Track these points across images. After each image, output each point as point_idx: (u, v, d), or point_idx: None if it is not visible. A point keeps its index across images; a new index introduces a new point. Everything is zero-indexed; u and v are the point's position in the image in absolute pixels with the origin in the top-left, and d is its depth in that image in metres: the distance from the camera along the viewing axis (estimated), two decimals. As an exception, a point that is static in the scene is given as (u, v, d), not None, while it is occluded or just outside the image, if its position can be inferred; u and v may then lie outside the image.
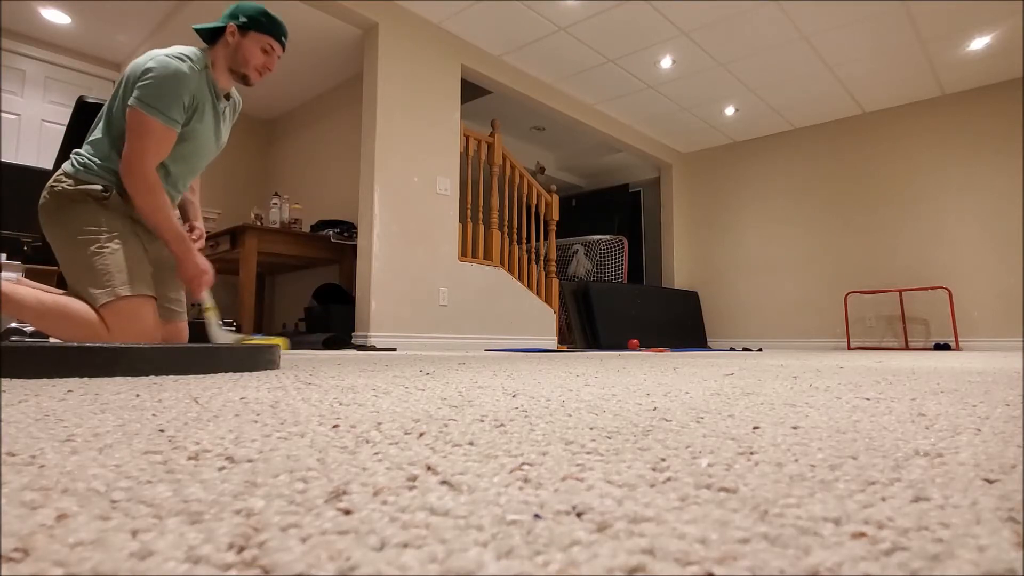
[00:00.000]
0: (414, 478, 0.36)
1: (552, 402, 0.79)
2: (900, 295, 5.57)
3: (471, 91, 5.21)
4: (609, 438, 0.51)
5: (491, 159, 4.68)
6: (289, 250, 4.21)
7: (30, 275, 2.15)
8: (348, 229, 4.42)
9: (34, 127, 4.53)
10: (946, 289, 5.32)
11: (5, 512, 0.28)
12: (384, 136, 3.97)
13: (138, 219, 1.73)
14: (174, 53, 1.64)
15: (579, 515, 0.29)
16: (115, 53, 4.80)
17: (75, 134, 1.91)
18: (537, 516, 0.29)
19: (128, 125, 1.60)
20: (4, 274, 1.72)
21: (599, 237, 6.71)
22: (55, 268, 1.81)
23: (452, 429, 0.55)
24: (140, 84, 1.59)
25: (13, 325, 2.30)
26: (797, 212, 6.30)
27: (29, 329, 2.36)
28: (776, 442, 0.50)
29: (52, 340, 1.66)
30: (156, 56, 1.62)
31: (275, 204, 4.38)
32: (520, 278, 4.88)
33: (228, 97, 1.85)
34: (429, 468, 0.39)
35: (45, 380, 1.03)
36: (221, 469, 0.38)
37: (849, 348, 5.73)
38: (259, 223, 4.20)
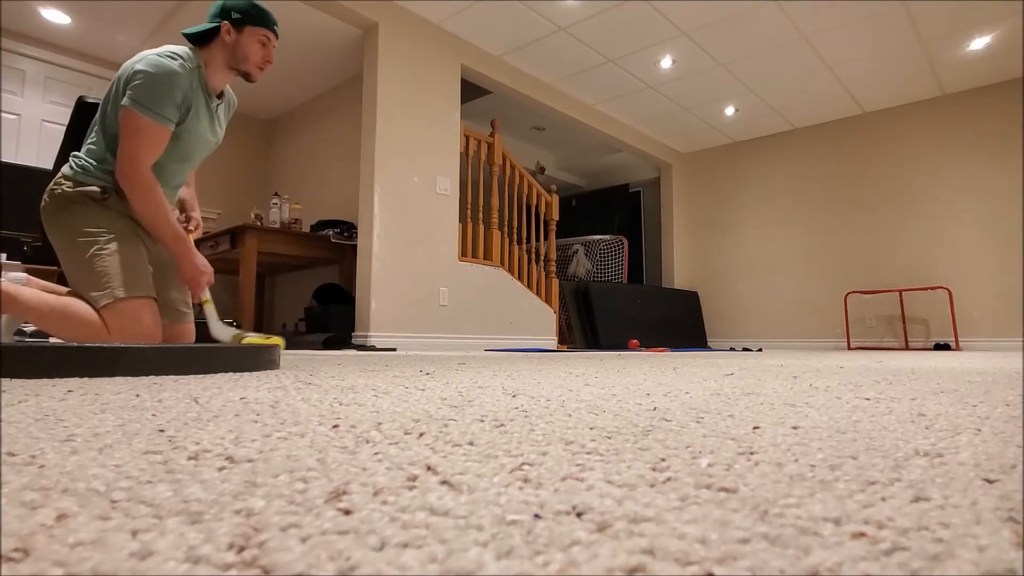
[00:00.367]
0: (414, 478, 0.36)
1: (552, 402, 0.79)
2: (900, 295, 5.57)
3: (471, 91, 5.21)
4: (609, 438, 0.51)
5: (491, 159, 4.68)
6: (289, 250, 4.21)
7: (30, 275, 2.15)
8: (348, 229, 4.42)
9: (34, 127, 4.53)
10: (946, 289, 5.32)
11: (5, 512, 0.28)
12: (384, 136, 3.97)
13: (136, 219, 1.72)
14: (165, 52, 1.63)
15: (579, 515, 0.29)
16: (115, 53, 4.80)
17: (75, 134, 1.91)
18: (537, 516, 0.29)
19: (121, 126, 1.59)
20: (12, 275, 1.72)
21: (599, 237, 6.71)
22: (55, 268, 1.81)
23: (452, 429, 0.55)
24: (132, 84, 1.58)
25: (27, 327, 2.30)
26: (797, 212, 6.30)
27: (29, 329, 2.36)
28: (776, 442, 0.50)
29: (52, 340, 1.66)
30: (146, 56, 1.61)
31: (275, 204, 4.38)
32: (520, 278, 4.88)
33: (221, 96, 1.84)
34: (429, 468, 0.39)
35: (45, 380, 1.03)
36: (221, 469, 0.38)
37: (849, 348, 5.73)
38: (259, 223, 4.20)
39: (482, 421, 0.61)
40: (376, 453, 0.44)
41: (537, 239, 6.40)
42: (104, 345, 1.16)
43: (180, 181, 1.84)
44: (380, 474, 0.37)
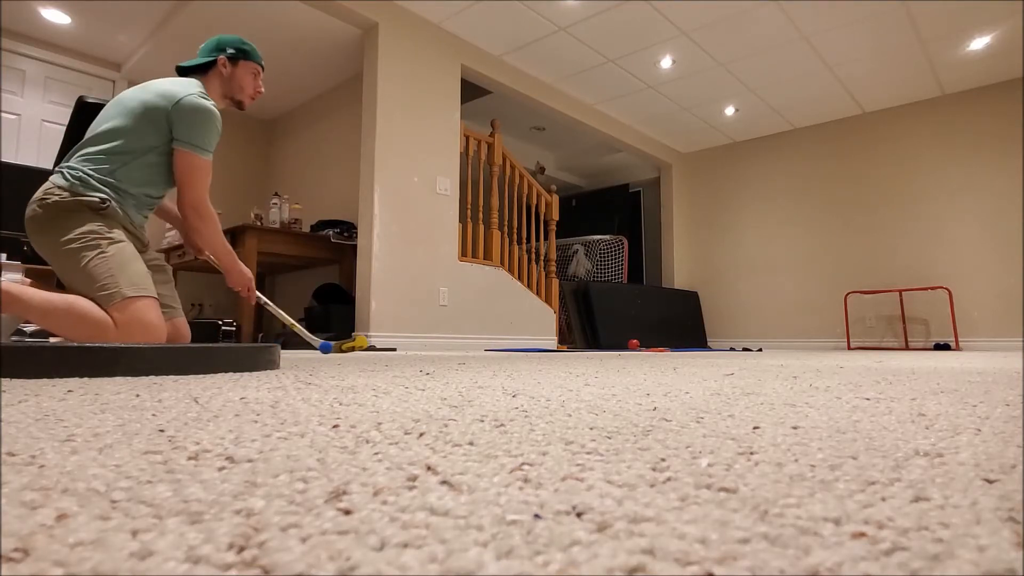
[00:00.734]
0: (414, 478, 0.36)
1: (552, 402, 0.79)
2: (900, 295, 5.57)
3: (471, 91, 5.21)
4: (609, 438, 0.51)
5: (491, 159, 4.68)
6: (289, 250, 4.21)
7: (30, 275, 2.17)
8: (348, 229, 4.42)
9: (34, 127, 4.53)
10: (946, 289, 5.32)
11: (5, 512, 0.28)
12: (384, 136, 3.97)
13: (131, 230, 1.80)
14: (197, 92, 1.76)
15: (579, 515, 0.29)
16: (115, 53, 4.80)
17: (75, 134, 1.92)
18: (537, 516, 0.29)
19: (183, 167, 1.75)
20: (9, 275, 1.74)
21: (599, 237, 6.71)
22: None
23: (452, 429, 0.55)
24: (190, 127, 1.72)
25: (26, 327, 2.31)
26: (797, 212, 6.30)
27: (29, 329, 2.36)
28: (776, 442, 0.50)
29: (52, 340, 1.66)
30: (188, 99, 1.73)
31: (275, 204, 4.38)
32: (520, 278, 4.88)
33: None
34: (429, 468, 0.39)
35: (45, 380, 1.03)
36: (221, 469, 0.38)
37: (849, 348, 5.73)
38: (259, 223, 4.20)
39: (482, 421, 0.61)
40: (376, 453, 0.44)
41: (537, 239, 6.40)
42: (104, 345, 1.16)
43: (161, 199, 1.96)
44: (380, 474, 0.37)
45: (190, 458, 0.42)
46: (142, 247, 1.86)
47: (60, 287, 1.75)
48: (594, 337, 5.34)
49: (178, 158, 1.75)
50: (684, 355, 3.32)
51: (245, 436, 0.51)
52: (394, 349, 3.79)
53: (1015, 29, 4.43)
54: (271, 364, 1.47)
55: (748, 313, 6.54)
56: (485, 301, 4.53)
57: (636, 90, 5.54)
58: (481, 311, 4.50)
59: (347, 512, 0.29)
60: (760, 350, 5.08)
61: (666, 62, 5.00)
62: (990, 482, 0.36)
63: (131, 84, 4.43)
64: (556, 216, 5.20)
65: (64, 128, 2.10)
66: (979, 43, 4.61)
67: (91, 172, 1.70)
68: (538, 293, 5.06)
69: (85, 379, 1.07)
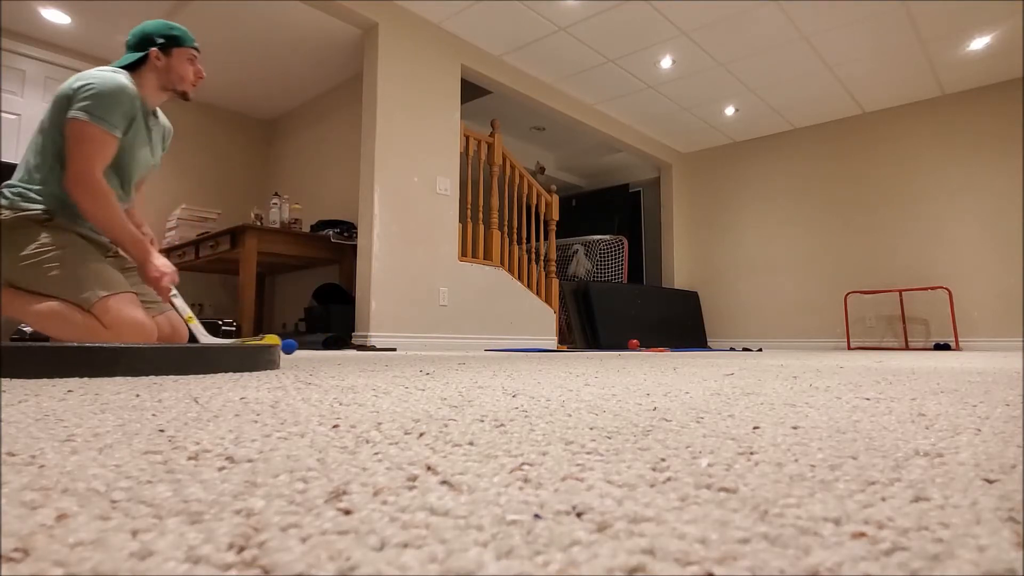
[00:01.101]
0: (414, 478, 0.36)
1: (552, 402, 0.79)
2: (900, 295, 5.57)
3: (471, 91, 5.21)
4: (609, 438, 0.51)
5: (491, 159, 4.68)
6: (289, 250, 4.21)
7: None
8: (348, 229, 4.42)
9: (34, 127, 4.52)
10: (946, 289, 5.32)
11: (5, 512, 0.28)
12: (384, 136, 3.97)
13: (89, 236, 1.73)
14: (107, 69, 1.67)
15: (579, 515, 0.29)
16: (115, 53, 4.80)
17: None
18: (537, 516, 0.29)
19: (69, 137, 1.60)
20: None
21: (599, 237, 6.71)
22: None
23: (452, 429, 0.55)
24: (81, 97, 1.60)
25: (26, 328, 2.30)
26: (797, 212, 6.30)
27: (29, 329, 2.36)
28: (776, 442, 0.50)
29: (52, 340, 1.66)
30: (91, 72, 1.65)
31: (275, 204, 4.38)
32: (520, 278, 4.88)
33: (155, 116, 1.88)
34: (429, 468, 0.39)
35: (45, 380, 1.03)
36: (221, 469, 0.38)
37: (849, 348, 5.73)
38: (259, 223, 4.20)
39: (482, 421, 0.61)
40: (376, 453, 0.44)
41: (537, 239, 6.40)
42: (104, 345, 1.16)
43: (119, 197, 1.81)
44: (380, 474, 0.37)
45: (190, 458, 0.42)
46: (104, 251, 1.78)
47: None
48: (594, 337, 5.34)
49: (67, 129, 1.59)
50: (684, 355, 3.32)
51: (245, 436, 0.51)
52: (394, 349, 3.79)
53: (1015, 29, 4.43)
54: (271, 364, 1.47)
55: (748, 313, 6.54)
56: (485, 301, 4.54)
57: (636, 90, 5.54)
58: (481, 311, 4.50)
59: (347, 512, 0.29)
60: (760, 350, 5.08)
61: (666, 62, 5.00)
62: (990, 482, 0.36)
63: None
64: (556, 216, 5.20)
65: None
66: (979, 43, 4.61)
67: (31, 185, 1.65)
68: (538, 293, 5.06)
69: (85, 379, 1.07)
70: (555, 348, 4.75)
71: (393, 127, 4.03)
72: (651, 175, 7.47)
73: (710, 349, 5.73)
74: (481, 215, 4.57)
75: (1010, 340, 5.04)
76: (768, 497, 0.32)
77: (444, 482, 0.35)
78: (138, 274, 1.75)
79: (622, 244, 6.55)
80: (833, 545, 0.25)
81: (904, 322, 5.55)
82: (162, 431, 0.53)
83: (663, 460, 0.42)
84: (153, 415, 0.63)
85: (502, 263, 4.71)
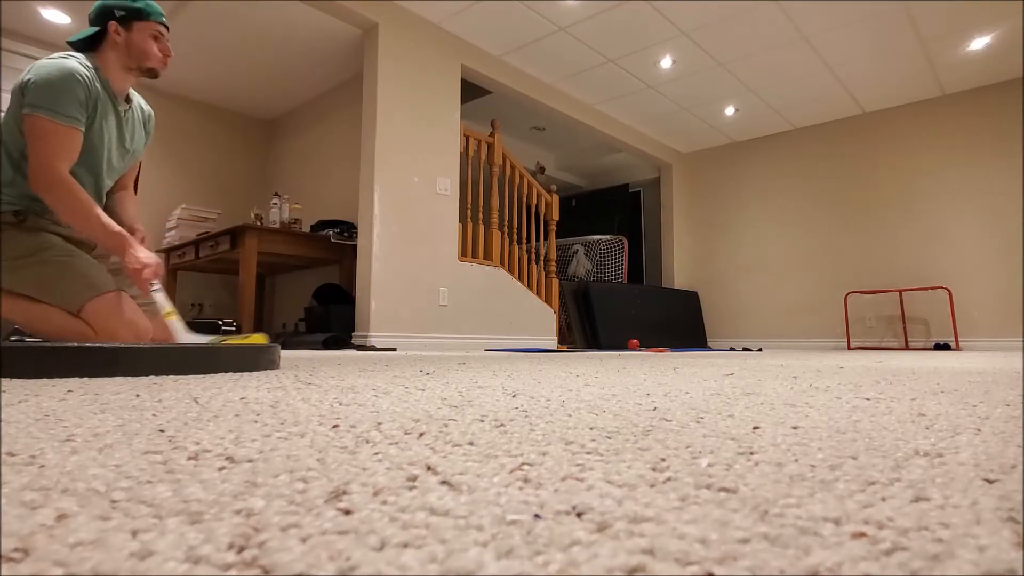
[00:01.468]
0: (414, 478, 0.36)
1: (552, 402, 0.79)
2: (900, 295, 5.57)
3: (471, 91, 5.21)
4: (609, 438, 0.51)
5: (491, 159, 4.69)
6: (289, 250, 4.21)
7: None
8: (348, 229, 4.42)
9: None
10: (946, 289, 5.32)
11: (5, 512, 0.28)
12: (384, 136, 3.97)
13: (69, 235, 1.66)
14: (57, 55, 1.56)
15: (579, 515, 0.29)
16: (115, 53, 4.80)
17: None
18: (537, 516, 0.29)
19: (27, 135, 1.51)
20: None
21: (599, 237, 6.71)
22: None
23: (452, 429, 0.55)
24: (29, 90, 1.50)
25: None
26: (797, 212, 6.30)
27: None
28: (776, 442, 0.50)
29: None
30: (40, 62, 1.54)
31: (275, 204, 4.38)
32: (520, 278, 4.88)
33: (128, 100, 1.75)
34: (429, 468, 0.39)
35: (45, 380, 1.03)
36: (221, 469, 0.38)
37: (849, 348, 5.73)
38: (259, 223, 4.20)
39: (482, 421, 0.61)
40: (376, 453, 0.44)
41: (537, 239, 6.40)
42: (104, 345, 1.16)
43: (95, 190, 1.71)
44: (380, 474, 0.37)
45: (190, 458, 0.42)
46: (88, 250, 1.71)
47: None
48: (594, 337, 5.34)
49: (25, 127, 1.50)
50: (684, 355, 3.32)
51: (245, 436, 0.51)
52: (394, 349, 3.79)
53: (1015, 29, 4.43)
54: (271, 364, 1.47)
55: (748, 313, 6.54)
56: (485, 301, 4.54)
57: (636, 90, 5.54)
58: (481, 311, 4.50)
59: (347, 512, 0.29)
60: (760, 350, 5.08)
61: (666, 62, 5.00)
62: (990, 482, 0.36)
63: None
64: (556, 216, 5.20)
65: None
66: (979, 43, 4.61)
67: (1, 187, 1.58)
68: (538, 293, 5.06)
69: (85, 379, 1.07)
70: (555, 348, 4.75)
71: (393, 127, 4.03)
72: (651, 175, 7.47)
73: (710, 349, 5.73)
74: (481, 215, 4.58)
75: (1010, 340, 5.04)
76: (768, 497, 0.32)
77: (444, 482, 0.35)
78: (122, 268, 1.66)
79: (622, 244, 6.55)
80: (833, 545, 0.25)
81: (904, 322, 5.55)
82: (162, 431, 0.53)
83: (663, 460, 0.42)
84: (153, 415, 0.63)
85: (502, 263, 4.71)
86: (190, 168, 5.41)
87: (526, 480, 0.36)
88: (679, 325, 6.26)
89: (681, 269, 7.01)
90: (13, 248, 1.57)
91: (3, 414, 0.62)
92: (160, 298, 1.63)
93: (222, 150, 5.68)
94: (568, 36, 4.61)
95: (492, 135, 4.69)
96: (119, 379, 1.08)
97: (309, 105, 5.57)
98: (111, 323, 1.58)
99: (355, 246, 4.14)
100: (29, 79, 1.52)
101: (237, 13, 4.19)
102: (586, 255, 6.66)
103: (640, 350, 4.63)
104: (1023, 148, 5.09)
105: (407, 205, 4.08)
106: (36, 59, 4.50)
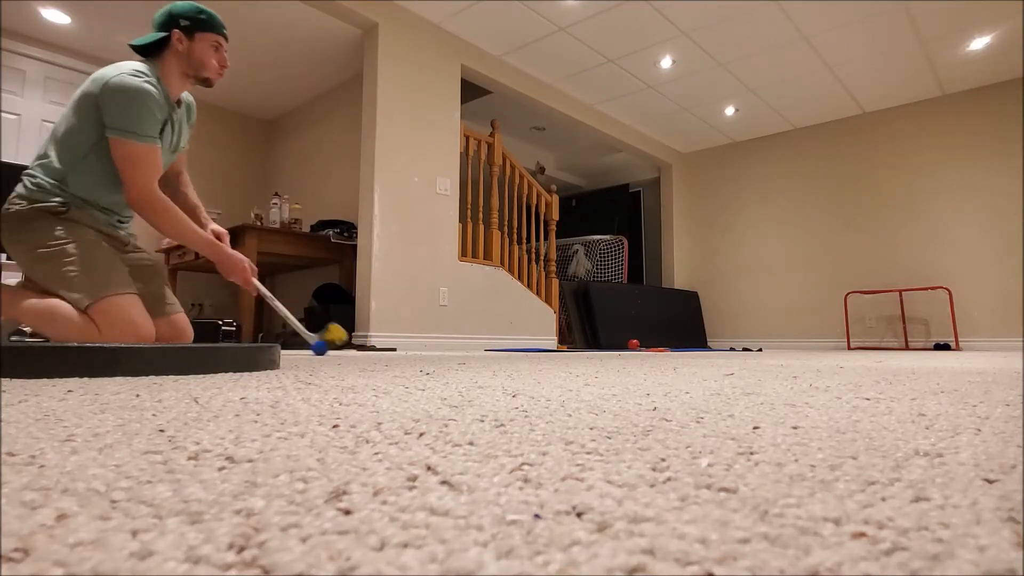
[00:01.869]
0: (414, 478, 0.36)
1: (552, 402, 0.79)
2: (900, 295, 5.57)
3: (471, 91, 5.21)
4: (609, 438, 0.51)
5: (491, 159, 4.68)
6: (289, 250, 4.21)
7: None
8: (348, 229, 4.42)
9: (34, 127, 4.53)
10: (946, 289, 5.32)
11: (5, 512, 0.28)
12: (384, 136, 3.97)
13: (105, 231, 1.72)
14: (128, 71, 1.61)
15: (579, 515, 0.29)
16: (115, 53, 4.80)
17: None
18: (537, 516, 0.29)
19: (117, 158, 1.61)
20: (8, 276, 1.72)
21: (599, 237, 6.71)
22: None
23: (452, 429, 0.55)
24: (113, 111, 1.58)
25: (25, 328, 2.31)
26: (797, 212, 6.30)
27: (30, 329, 2.36)
28: (776, 442, 0.50)
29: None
30: (113, 79, 1.59)
31: (275, 204, 4.38)
32: (520, 278, 4.88)
33: (179, 103, 1.82)
34: (429, 468, 0.39)
35: (45, 380, 1.03)
36: (221, 469, 0.38)
37: (849, 348, 5.73)
38: (259, 223, 4.20)
39: (482, 421, 0.61)
40: (376, 453, 0.44)
41: (537, 239, 6.41)
42: (104, 345, 1.16)
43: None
44: (380, 474, 0.37)
45: (190, 458, 0.42)
46: (121, 246, 1.79)
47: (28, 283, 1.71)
48: (594, 337, 5.34)
49: (112, 148, 1.60)
50: (684, 355, 3.32)
51: (245, 436, 0.51)
52: (394, 349, 3.79)
53: (1015, 29, 4.43)
54: (271, 364, 1.47)
55: (748, 313, 6.54)
56: (485, 301, 4.54)
57: (636, 90, 5.54)
58: (481, 311, 4.50)
59: (347, 512, 0.29)
60: (760, 350, 5.08)
61: (666, 62, 5.00)
62: (990, 482, 0.36)
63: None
64: (556, 216, 5.20)
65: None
66: (979, 43, 4.61)
67: (49, 178, 1.64)
68: (538, 293, 5.06)
69: (85, 379, 1.07)
70: (555, 348, 4.75)
71: (393, 127, 4.03)
72: (651, 175, 7.47)
73: (710, 349, 5.73)
74: (481, 215, 4.57)
75: (1010, 340, 5.04)
76: (768, 497, 0.32)
77: (444, 482, 0.35)
78: (220, 272, 1.80)
79: (622, 244, 6.55)
80: (833, 545, 0.25)
81: (904, 322, 5.55)
82: (162, 431, 0.53)
83: (663, 460, 0.42)
84: (153, 415, 0.63)
85: (502, 263, 4.71)
86: (190, 168, 5.41)
87: (526, 480, 0.36)
88: (679, 325, 6.26)
89: (681, 269, 7.01)
90: (43, 236, 1.62)
91: (3, 414, 0.62)
92: (275, 304, 1.84)
93: (222, 150, 5.68)
94: (568, 36, 4.61)
95: (492, 135, 4.69)
96: (119, 379, 1.08)
97: (309, 105, 5.57)
98: (116, 324, 1.60)
99: (355, 246, 4.14)
100: (109, 95, 1.58)
101: (237, 13, 4.19)
102: (586, 255, 6.66)
103: (640, 350, 4.63)
104: (1023, 148, 5.08)
105: (407, 205, 4.08)
106: (36, 59, 4.51)
